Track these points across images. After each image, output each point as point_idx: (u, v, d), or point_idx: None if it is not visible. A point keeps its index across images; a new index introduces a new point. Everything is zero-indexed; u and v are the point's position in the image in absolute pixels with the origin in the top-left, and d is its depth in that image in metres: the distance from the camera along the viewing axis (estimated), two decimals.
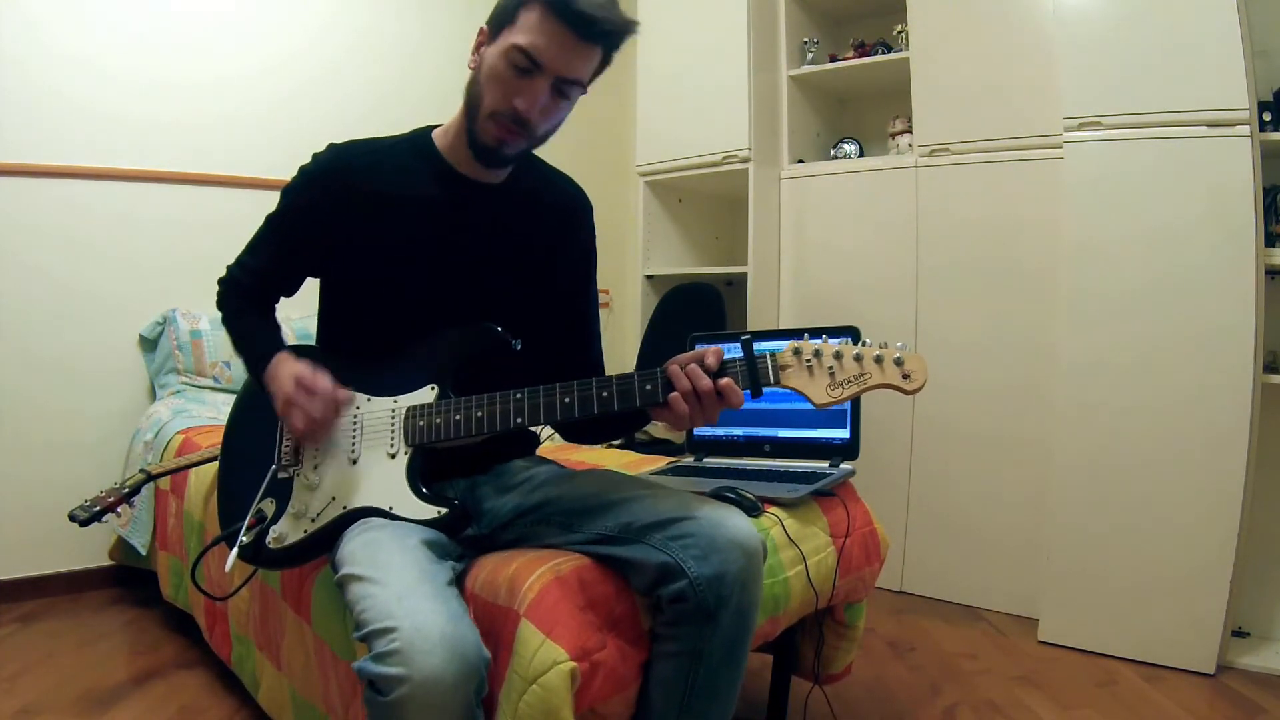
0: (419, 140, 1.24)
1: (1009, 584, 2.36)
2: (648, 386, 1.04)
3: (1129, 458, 2.02)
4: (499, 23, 1.11)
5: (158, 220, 2.55)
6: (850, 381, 1.01)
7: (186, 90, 2.59)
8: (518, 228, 1.26)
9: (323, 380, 1.14)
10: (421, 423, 1.14)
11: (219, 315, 1.34)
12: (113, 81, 2.46)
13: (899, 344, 1.01)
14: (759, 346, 1.05)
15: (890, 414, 2.51)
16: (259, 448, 1.24)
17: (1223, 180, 1.90)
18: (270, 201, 1.26)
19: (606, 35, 1.10)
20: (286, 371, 1.16)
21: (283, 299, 1.35)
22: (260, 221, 1.28)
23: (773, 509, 1.42)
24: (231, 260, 1.33)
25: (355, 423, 1.19)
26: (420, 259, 1.21)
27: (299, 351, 1.28)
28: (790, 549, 1.38)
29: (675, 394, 1.03)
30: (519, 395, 1.09)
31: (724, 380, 1.02)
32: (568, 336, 1.33)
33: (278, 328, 1.32)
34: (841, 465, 1.63)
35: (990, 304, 2.39)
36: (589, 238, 1.35)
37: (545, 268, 1.28)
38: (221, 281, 1.32)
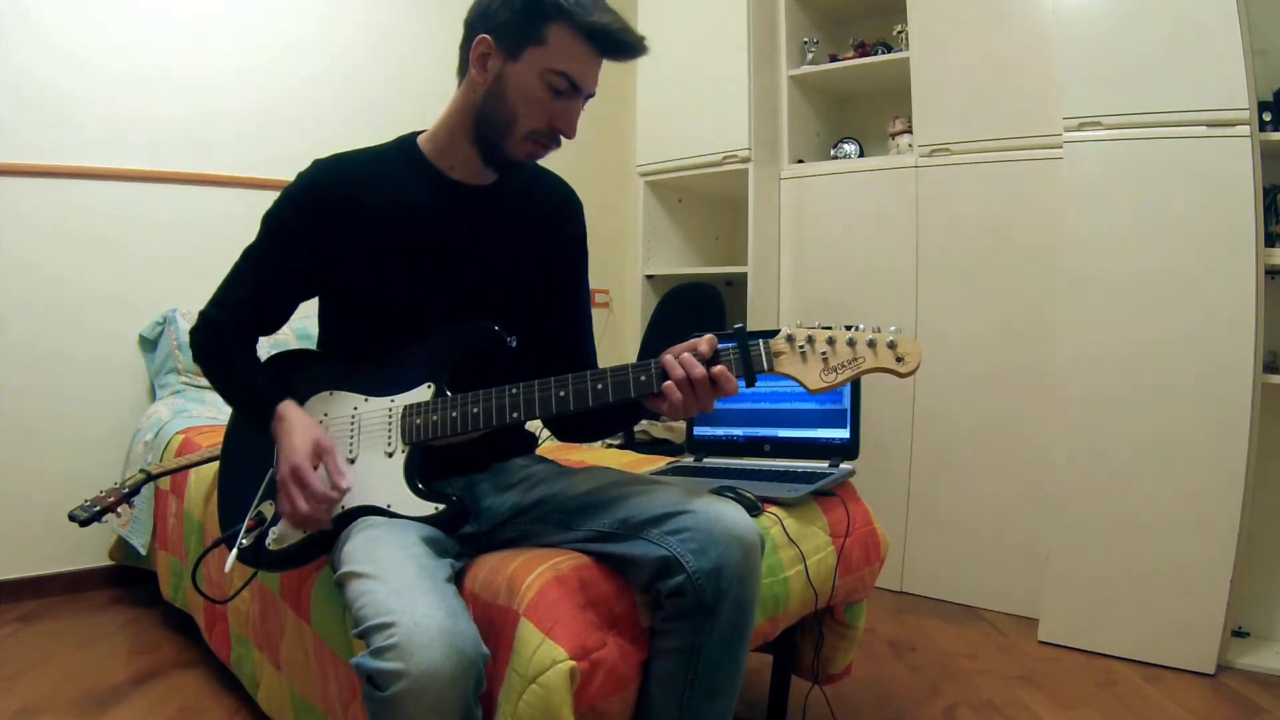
0: (405, 148, 1.24)
1: (1009, 584, 2.36)
2: (642, 378, 1.05)
3: (1129, 457, 2.02)
4: (518, 39, 1.10)
5: (158, 220, 2.55)
6: (844, 366, 1.01)
7: (186, 90, 2.59)
8: (510, 228, 1.26)
9: (325, 482, 1.11)
10: (418, 421, 1.14)
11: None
12: (112, 81, 2.46)
13: (892, 328, 1.01)
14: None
15: (890, 414, 2.51)
16: (259, 450, 1.24)
17: (1223, 180, 1.90)
18: (270, 201, 1.25)
19: (633, 58, 1.14)
20: (299, 441, 1.11)
21: (262, 340, 1.29)
22: (256, 222, 1.26)
23: (773, 509, 1.42)
24: (220, 269, 1.27)
25: (353, 423, 1.19)
26: (417, 264, 1.21)
27: (299, 355, 1.27)
28: (790, 549, 1.38)
29: (669, 383, 1.03)
30: (514, 390, 1.10)
31: (717, 368, 1.03)
32: (561, 335, 1.34)
33: (266, 369, 1.26)
34: (841, 465, 1.63)
35: (990, 304, 2.39)
36: (579, 234, 1.36)
37: (538, 266, 1.29)
38: (195, 330, 1.24)
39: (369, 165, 1.21)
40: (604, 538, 1.13)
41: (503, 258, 1.25)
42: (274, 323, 1.27)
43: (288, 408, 1.17)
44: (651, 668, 1.11)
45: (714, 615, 1.06)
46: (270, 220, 1.22)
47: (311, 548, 1.15)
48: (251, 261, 1.23)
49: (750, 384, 1.04)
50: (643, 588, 1.11)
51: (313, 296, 1.27)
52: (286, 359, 1.30)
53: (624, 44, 1.11)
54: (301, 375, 1.26)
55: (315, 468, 1.10)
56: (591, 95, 1.16)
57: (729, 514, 1.08)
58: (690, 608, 1.06)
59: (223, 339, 1.23)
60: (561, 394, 1.07)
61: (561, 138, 1.16)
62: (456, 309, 1.21)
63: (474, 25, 1.14)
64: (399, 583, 0.93)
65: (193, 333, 1.25)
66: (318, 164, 1.22)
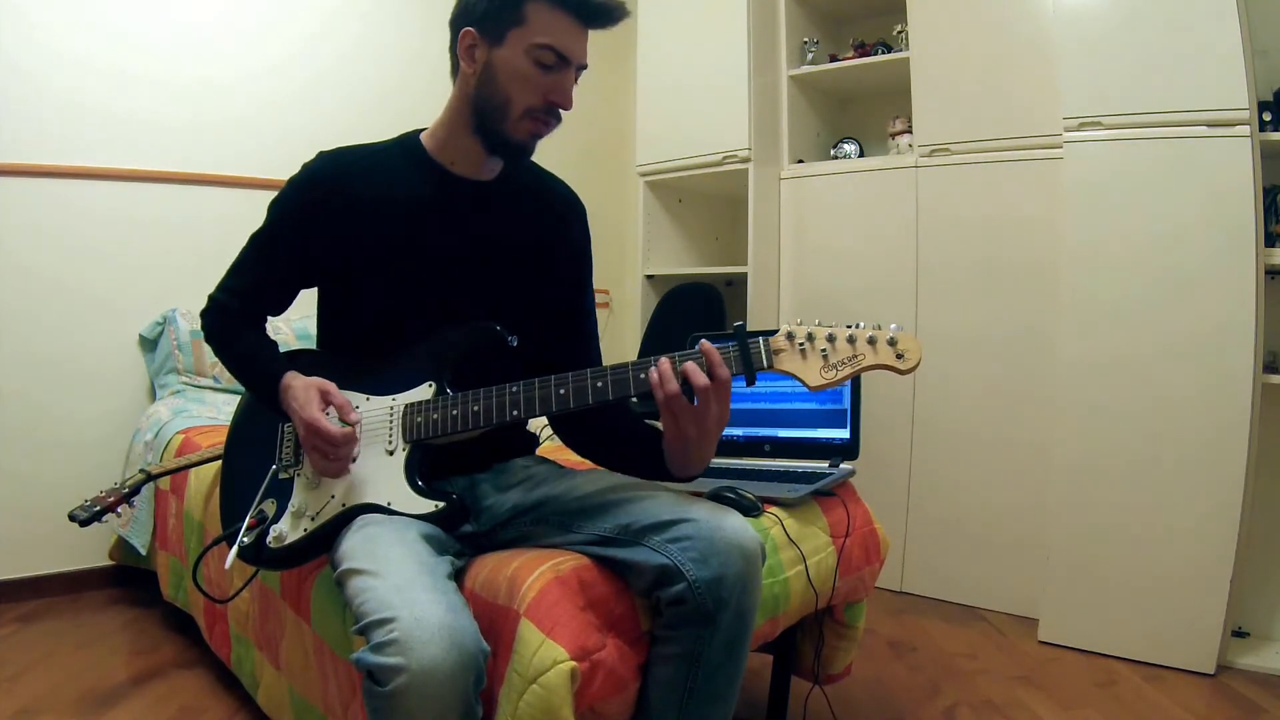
0: (408, 144, 1.25)
1: (1009, 584, 2.36)
2: (641, 375, 1.05)
3: (1129, 457, 2.02)
4: (498, 24, 1.12)
5: (158, 220, 2.55)
6: (844, 363, 1.01)
7: (186, 90, 2.59)
8: (513, 223, 1.26)
9: (336, 426, 1.12)
10: (419, 419, 1.15)
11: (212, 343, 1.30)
12: (112, 82, 2.46)
13: (893, 325, 1.01)
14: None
15: (890, 414, 2.51)
16: (262, 449, 1.24)
17: (1223, 180, 1.90)
18: (269, 202, 1.26)
19: (614, 23, 1.15)
20: (304, 397, 1.14)
21: (270, 318, 1.33)
22: (256, 222, 1.27)
23: (773, 509, 1.42)
24: (220, 270, 1.30)
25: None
26: (419, 259, 1.21)
27: (299, 356, 1.28)
28: (790, 549, 1.38)
29: (653, 370, 1.03)
30: (514, 388, 1.10)
31: (708, 349, 1.02)
32: (565, 338, 1.33)
33: (275, 346, 1.29)
34: (841, 465, 1.63)
35: (990, 304, 2.39)
36: (584, 239, 1.36)
37: (541, 264, 1.29)
38: (205, 312, 1.29)
39: (372, 159, 1.23)
40: (604, 542, 1.12)
41: (504, 253, 1.25)
42: (279, 306, 1.30)
43: (291, 377, 1.18)
44: (651, 672, 1.11)
45: (714, 624, 1.05)
46: (274, 208, 1.24)
47: (311, 546, 1.15)
48: (256, 248, 1.27)
49: (750, 382, 1.04)
50: (642, 593, 1.11)
51: (313, 284, 1.29)
52: (287, 359, 1.30)
53: (601, 8, 1.13)
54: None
55: (326, 412, 1.13)
56: (583, 67, 1.16)
57: (730, 523, 1.08)
58: (690, 615, 1.05)
59: (229, 321, 1.27)
60: (562, 391, 1.07)
61: (560, 111, 1.17)
62: (458, 304, 1.21)
63: (457, 22, 1.17)
64: (399, 579, 0.93)
65: (202, 315, 1.29)
66: (322, 155, 1.23)
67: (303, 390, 1.15)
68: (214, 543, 1.27)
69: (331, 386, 1.16)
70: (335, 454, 1.13)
